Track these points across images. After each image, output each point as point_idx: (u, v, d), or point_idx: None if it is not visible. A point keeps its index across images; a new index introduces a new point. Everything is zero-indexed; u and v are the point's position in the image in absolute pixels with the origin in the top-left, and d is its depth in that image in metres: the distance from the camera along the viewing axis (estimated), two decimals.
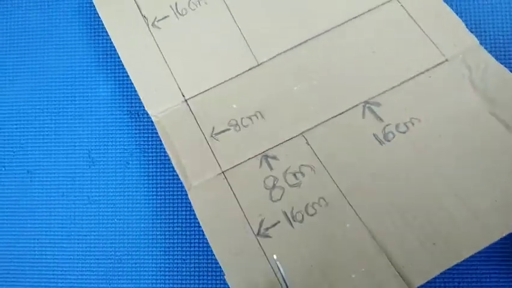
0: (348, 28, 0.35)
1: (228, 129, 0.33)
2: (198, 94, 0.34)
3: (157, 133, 0.34)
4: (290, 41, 0.35)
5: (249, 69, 0.34)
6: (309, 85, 0.33)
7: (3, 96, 0.40)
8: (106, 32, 0.37)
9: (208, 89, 0.34)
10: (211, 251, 0.30)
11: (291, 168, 0.31)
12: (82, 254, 0.36)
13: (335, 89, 0.33)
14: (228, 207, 0.31)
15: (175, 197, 0.36)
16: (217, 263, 0.29)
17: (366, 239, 0.29)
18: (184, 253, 0.35)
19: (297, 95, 0.33)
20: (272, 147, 0.32)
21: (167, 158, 0.35)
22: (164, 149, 0.33)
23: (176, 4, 0.36)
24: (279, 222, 0.30)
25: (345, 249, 0.29)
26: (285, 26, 0.35)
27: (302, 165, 0.31)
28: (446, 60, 0.33)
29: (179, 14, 0.36)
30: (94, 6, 0.38)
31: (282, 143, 0.32)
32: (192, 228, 0.35)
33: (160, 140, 0.34)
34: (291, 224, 0.30)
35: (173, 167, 0.32)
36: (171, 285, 0.34)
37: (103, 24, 0.38)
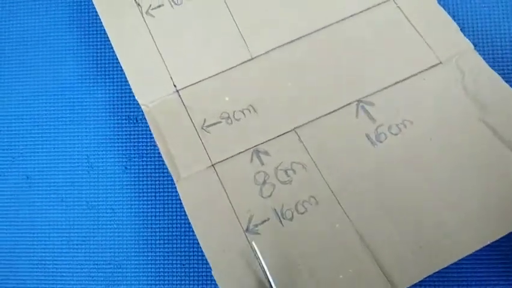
0: (344, 26, 0.34)
1: (220, 122, 0.32)
2: (190, 85, 0.34)
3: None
4: (286, 36, 0.34)
5: (243, 63, 0.34)
6: (304, 81, 0.33)
7: (1, 103, 0.39)
8: (104, 37, 0.38)
9: (201, 81, 0.34)
10: None
11: (282, 165, 0.31)
12: (81, 260, 0.36)
13: (329, 86, 0.33)
14: (217, 201, 0.30)
15: (174, 201, 0.35)
16: None
17: (354, 239, 0.29)
18: (183, 258, 0.34)
19: (291, 91, 0.33)
20: (264, 142, 0.32)
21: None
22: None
23: None
24: (268, 219, 0.30)
25: (333, 249, 0.29)
26: (281, 20, 0.35)
27: (294, 162, 0.31)
28: (440, 62, 0.33)
29: (175, 3, 0.35)
30: (91, 12, 0.38)
31: (274, 138, 0.32)
32: (192, 233, 0.34)
33: None
34: (281, 222, 0.30)
35: None
36: None
37: (101, 30, 0.38)
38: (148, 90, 0.34)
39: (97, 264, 0.36)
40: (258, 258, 0.28)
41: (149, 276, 0.35)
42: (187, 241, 0.35)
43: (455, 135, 0.31)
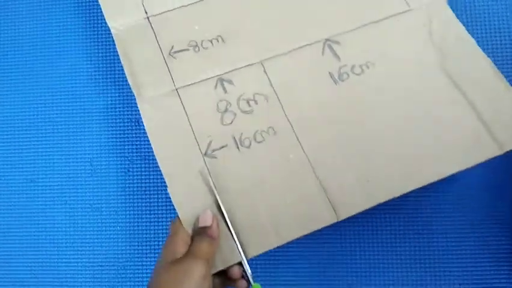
0: None
1: (187, 50, 0.33)
2: (160, 13, 0.34)
3: None
4: None
5: None
6: (274, 14, 0.33)
7: (5, 108, 0.40)
8: (105, 43, 0.39)
9: (172, 10, 0.34)
10: None
11: (245, 95, 0.32)
12: (85, 261, 0.37)
13: (299, 22, 0.33)
14: (178, 124, 0.31)
15: None
16: None
17: (306, 169, 0.30)
18: None
19: (261, 23, 0.33)
20: (229, 71, 0.32)
21: None
22: None
23: None
24: (226, 145, 0.31)
25: (285, 177, 0.30)
26: None
27: (256, 93, 0.32)
28: (410, 9, 0.33)
29: None
30: (92, 17, 0.39)
31: (239, 68, 0.32)
32: None
33: None
34: (238, 148, 0.31)
35: None
36: None
37: (102, 36, 0.39)
38: (119, 14, 0.34)
39: (101, 265, 0.37)
40: (212, 180, 0.29)
41: None
42: None
43: (415, 81, 0.32)
